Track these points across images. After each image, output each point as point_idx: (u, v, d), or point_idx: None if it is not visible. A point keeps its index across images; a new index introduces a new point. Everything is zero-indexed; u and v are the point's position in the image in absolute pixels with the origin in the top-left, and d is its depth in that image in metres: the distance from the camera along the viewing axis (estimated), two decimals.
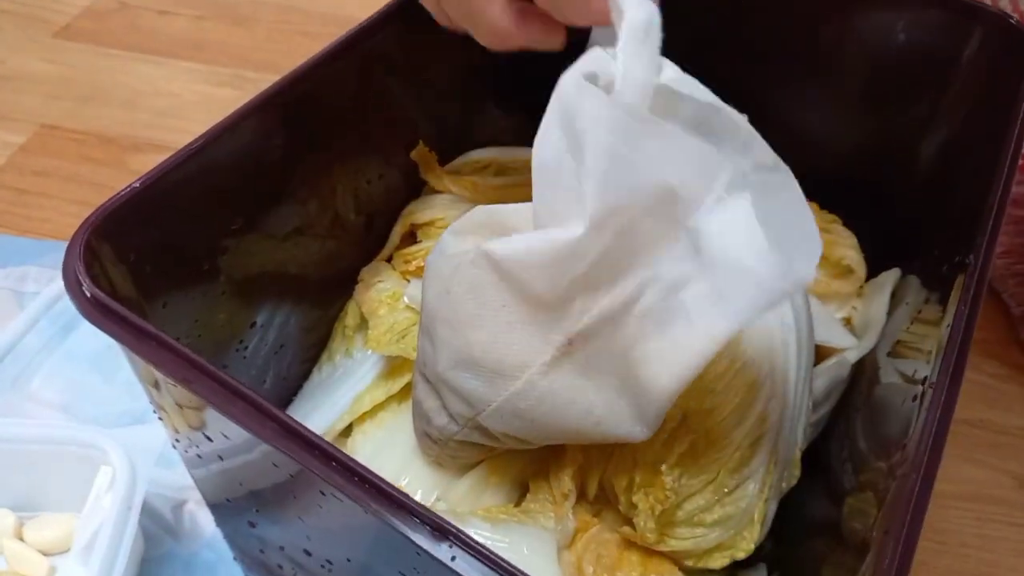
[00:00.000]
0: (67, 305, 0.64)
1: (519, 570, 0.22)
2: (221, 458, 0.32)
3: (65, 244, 0.29)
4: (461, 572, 0.23)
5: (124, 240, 0.32)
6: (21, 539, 0.54)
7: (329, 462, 0.24)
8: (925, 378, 0.33)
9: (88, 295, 0.28)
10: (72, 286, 0.29)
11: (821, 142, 0.61)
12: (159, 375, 0.28)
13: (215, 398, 0.26)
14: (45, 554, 0.55)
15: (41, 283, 0.69)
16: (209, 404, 0.26)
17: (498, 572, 0.22)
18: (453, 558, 0.23)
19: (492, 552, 0.23)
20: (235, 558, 0.49)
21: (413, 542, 0.23)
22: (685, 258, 0.29)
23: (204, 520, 0.56)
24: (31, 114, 0.84)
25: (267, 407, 0.25)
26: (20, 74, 0.89)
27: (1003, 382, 0.68)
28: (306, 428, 0.25)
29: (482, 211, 0.38)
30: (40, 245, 0.71)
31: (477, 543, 0.23)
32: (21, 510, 0.55)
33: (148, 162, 0.34)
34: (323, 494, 0.27)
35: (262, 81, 0.39)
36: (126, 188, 0.32)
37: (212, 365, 0.38)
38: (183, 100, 0.87)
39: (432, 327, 0.35)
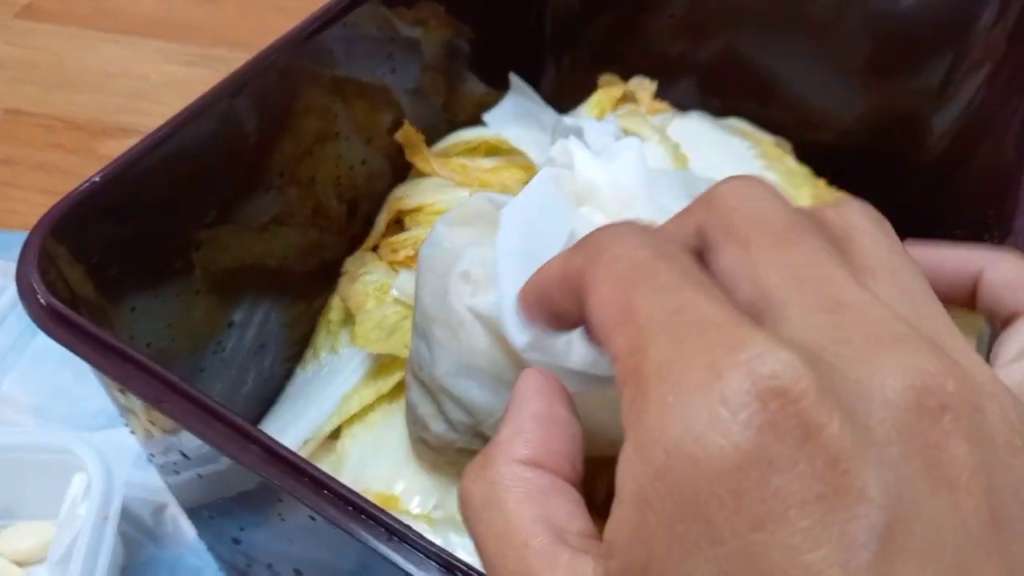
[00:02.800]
0: None
1: None
2: (200, 476, 0.30)
3: None
4: None
5: (85, 240, 0.29)
6: None
7: (320, 490, 0.22)
8: None
9: (44, 303, 0.25)
10: (26, 294, 0.26)
11: (826, 115, 0.58)
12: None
13: (189, 420, 0.23)
14: (21, 565, 0.52)
15: (9, 277, 0.66)
16: (183, 427, 0.23)
17: None
18: None
19: None
20: (220, 568, 0.47)
21: None
22: None
23: (187, 524, 0.53)
24: None
25: (248, 429, 0.22)
26: None
27: None
28: (292, 453, 0.22)
29: (480, 199, 0.35)
30: (7, 237, 0.68)
31: None
32: None
33: (119, 148, 0.32)
34: (314, 519, 0.24)
35: (235, 60, 0.36)
36: (85, 183, 0.28)
37: (186, 376, 0.35)
38: (153, 82, 0.83)
39: (428, 328, 0.33)
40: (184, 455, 0.28)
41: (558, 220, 0.27)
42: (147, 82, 0.83)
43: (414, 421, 0.37)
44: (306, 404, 0.43)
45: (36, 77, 0.82)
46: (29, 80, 0.82)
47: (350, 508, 0.22)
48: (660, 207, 0.30)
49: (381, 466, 0.40)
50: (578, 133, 0.37)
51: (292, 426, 0.43)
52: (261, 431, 0.22)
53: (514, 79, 0.50)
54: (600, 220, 0.31)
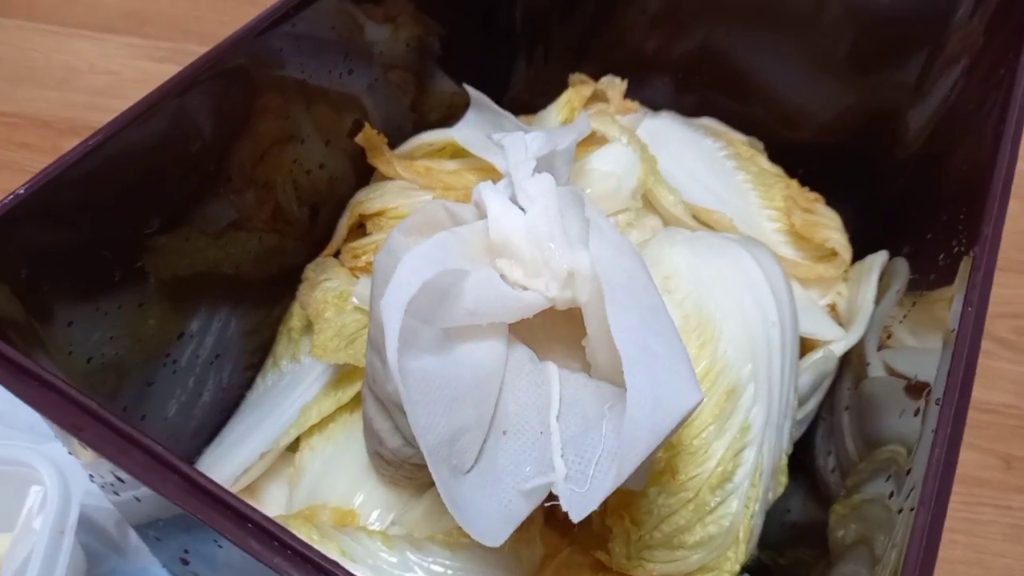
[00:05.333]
0: None
1: None
2: (137, 499, 0.28)
3: None
4: None
5: (9, 256, 0.27)
6: None
7: (244, 524, 0.21)
8: (926, 387, 0.29)
9: None
10: None
11: (801, 112, 0.57)
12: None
13: (108, 448, 0.21)
14: None
15: None
16: (103, 456, 0.22)
17: None
18: None
19: None
20: None
21: None
22: None
23: None
24: None
25: (168, 459, 0.21)
26: None
27: (987, 358, 0.66)
28: (214, 484, 0.21)
29: (437, 207, 0.34)
30: None
31: None
32: None
33: None
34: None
35: None
36: (8, 197, 0.27)
37: (136, 390, 0.34)
38: (123, 78, 0.81)
39: (381, 342, 0.31)
40: (118, 478, 0.27)
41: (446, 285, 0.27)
42: (117, 78, 0.81)
43: (371, 435, 0.36)
44: (265, 414, 0.42)
45: (1, 73, 0.80)
46: None
47: (275, 543, 0.20)
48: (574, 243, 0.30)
49: (339, 479, 0.39)
50: (501, 150, 0.36)
51: (250, 437, 0.41)
52: (182, 461, 0.21)
53: (472, 92, 0.49)
54: (518, 274, 0.30)
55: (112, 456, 0.21)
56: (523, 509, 0.25)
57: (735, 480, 0.34)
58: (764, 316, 0.38)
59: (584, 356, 0.31)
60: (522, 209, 0.31)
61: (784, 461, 0.37)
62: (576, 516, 0.23)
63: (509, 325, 0.30)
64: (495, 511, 0.25)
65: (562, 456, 0.25)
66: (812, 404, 0.42)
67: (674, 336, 0.27)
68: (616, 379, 0.30)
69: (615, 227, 0.31)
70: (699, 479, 0.33)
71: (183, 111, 0.36)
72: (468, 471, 0.27)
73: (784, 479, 0.37)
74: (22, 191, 0.27)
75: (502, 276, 0.30)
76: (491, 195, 0.31)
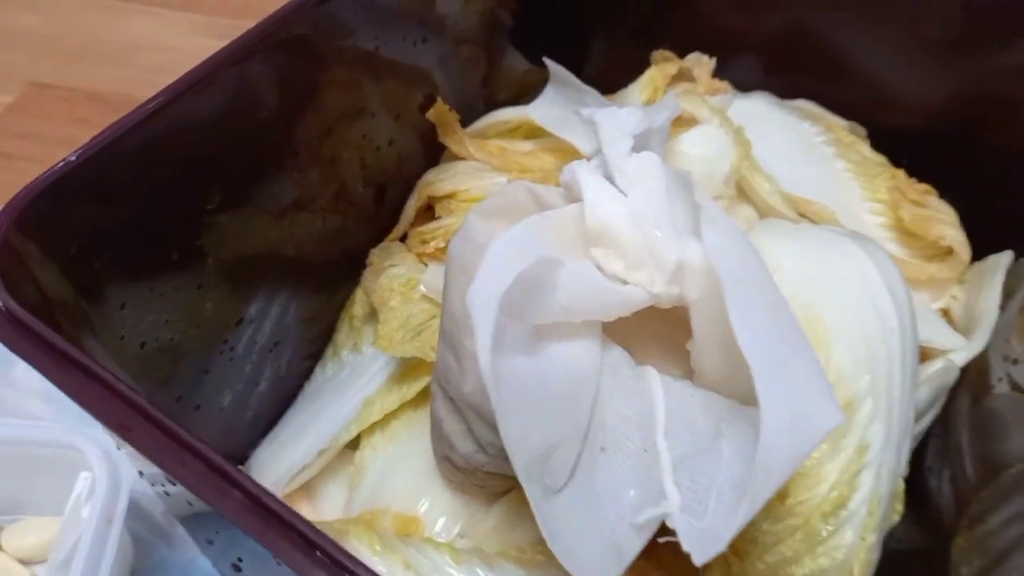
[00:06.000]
0: None
1: None
2: (189, 503, 0.26)
3: None
4: None
5: (58, 231, 0.25)
6: None
7: (311, 551, 0.17)
8: None
9: (2, 307, 0.21)
10: None
11: (904, 96, 0.52)
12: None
13: (159, 454, 0.19)
14: (25, 563, 0.50)
15: None
16: (153, 461, 0.19)
17: None
18: None
19: None
20: None
21: None
22: None
23: None
24: (17, 72, 0.77)
25: (228, 471, 0.18)
26: (4, 29, 0.82)
27: None
28: (278, 501, 0.18)
29: (519, 189, 0.31)
30: None
31: None
32: (1, 514, 0.50)
33: None
34: None
35: None
36: (59, 163, 0.24)
37: (191, 377, 0.32)
38: (180, 54, 0.79)
39: (457, 337, 0.28)
40: (169, 479, 0.24)
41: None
42: (173, 55, 0.79)
43: (439, 438, 0.33)
44: (323, 407, 0.39)
45: (60, 49, 0.80)
46: (52, 52, 0.79)
47: (345, 574, 0.17)
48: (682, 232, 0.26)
49: (403, 483, 0.36)
50: (593, 127, 0.33)
51: (307, 432, 0.39)
52: (243, 473, 0.18)
53: (552, 66, 0.45)
54: (618, 265, 0.26)
55: (164, 463, 0.19)
56: (634, 544, 0.21)
57: (850, 507, 0.30)
58: (882, 321, 0.33)
59: (684, 361, 0.27)
60: (621, 192, 0.27)
61: (901, 486, 0.33)
62: (700, 558, 0.19)
63: (603, 323, 0.27)
64: (599, 543, 0.21)
65: (674, 481, 0.22)
66: (927, 421, 0.38)
67: (804, 342, 0.23)
68: (726, 389, 0.26)
69: (728, 216, 0.27)
70: (809, 504, 0.29)
71: (243, 82, 0.33)
72: (561, 490, 0.23)
73: (900, 507, 0.33)
74: (73, 158, 0.24)
75: (598, 267, 0.26)
76: (587, 175, 0.27)
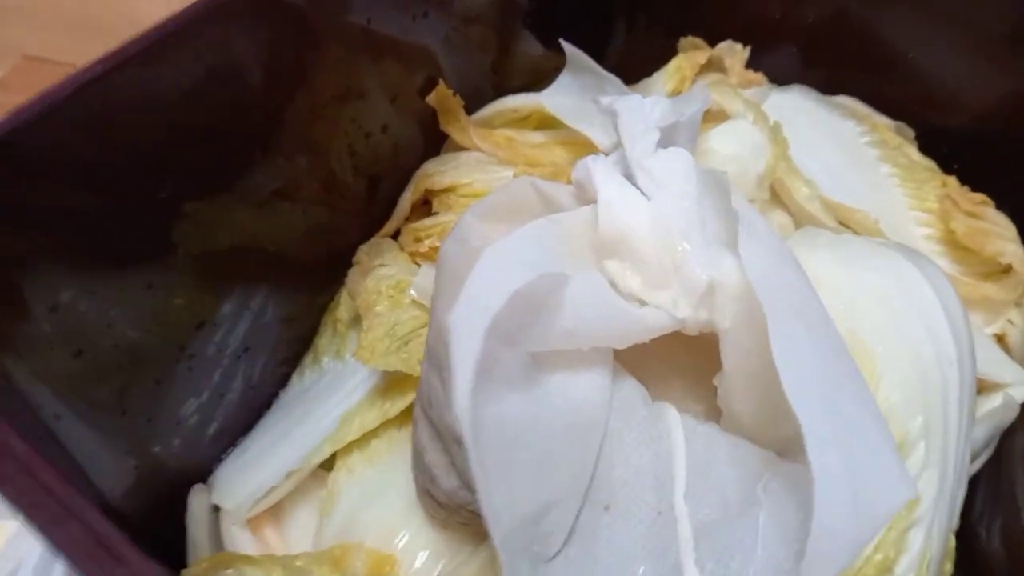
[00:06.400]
0: None
1: None
2: None
3: None
4: None
5: None
6: None
7: None
8: None
9: None
10: None
11: (959, 96, 0.48)
12: None
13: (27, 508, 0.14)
14: None
15: None
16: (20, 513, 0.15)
17: None
18: None
19: None
20: None
21: None
22: None
23: None
24: (13, 45, 0.74)
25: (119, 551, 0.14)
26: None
27: None
28: None
29: (523, 186, 0.26)
30: None
31: None
32: None
33: None
34: None
35: None
36: None
37: (143, 389, 0.28)
38: None
39: (444, 358, 0.24)
40: None
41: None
42: None
43: (421, 469, 0.28)
44: (298, 420, 0.35)
45: (58, 21, 0.76)
46: (50, 25, 0.76)
47: None
48: (715, 245, 0.21)
49: (380, 512, 0.32)
50: (612, 117, 0.28)
51: (277, 449, 0.34)
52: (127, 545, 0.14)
53: (570, 50, 0.41)
54: (635, 282, 0.21)
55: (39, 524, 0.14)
56: None
57: (896, 571, 0.25)
58: (939, 352, 0.29)
59: (710, 398, 0.23)
60: (644, 194, 0.22)
61: (952, 543, 0.29)
62: None
63: (615, 351, 0.22)
64: None
65: (696, 560, 0.17)
66: (978, 464, 0.33)
67: (866, 392, 0.18)
68: (761, 435, 0.22)
69: (771, 227, 0.23)
70: (849, 570, 0.25)
71: (221, 47, 0.29)
72: (553, 558, 0.19)
73: (950, 566, 0.29)
74: None
75: (612, 284, 0.22)
76: (604, 172, 0.23)
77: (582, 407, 0.20)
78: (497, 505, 0.17)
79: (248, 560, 0.30)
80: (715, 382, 0.22)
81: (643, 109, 0.27)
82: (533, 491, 0.18)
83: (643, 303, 0.22)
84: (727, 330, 0.21)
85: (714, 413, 0.23)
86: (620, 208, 0.22)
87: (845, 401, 0.18)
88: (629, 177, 0.24)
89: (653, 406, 0.22)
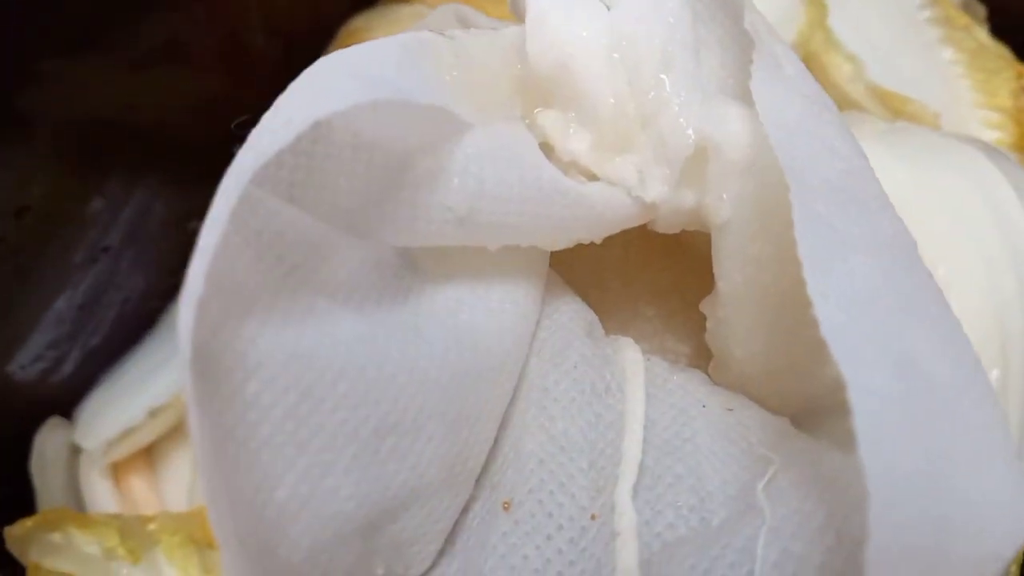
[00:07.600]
0: None
1: None
2: None
3: None
4: None
5: None
6: None
7: None
8: None
9: None
10: None
11: None
12: None
13: None
14: None
15: None
16: None
17: None
18: None
19: None
20: None
21: None
22: None
23: None
24: None
25: None
26: None
27: None
28: None
29: (447, 13, 0.18)
30: None
31: None
32: None
33: None
34: None
35: None
36: None
37: None
38: None
39: None
40: None
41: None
42: None
43: None
44: (173, 351, 0.28)
45: None
46: None
47: None
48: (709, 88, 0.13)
49: None
50: None
51: (145, 382, 0.27)
52: None
53: None
54: (582, 144, 0.13)
55: None
56: None
57: None
58: (1022, 276, 0.21)
59: (698, 331, 0.15)
60: (602, 3, 0.14)
61: None
62: None
63: (551, 255, 0.15)
64: None
65: None
66: None
67: (959, 335, 0.11)
68: (771, 392, 0.14)
69: (801, 63, 0.14)
70: None
71: None
72: None
73: (1015, 568, 0.22)
74: None
75: (542, 145, 0.14)
76: None
77: (480, 341, 0.12)
78: (282, 500, 0.10)
79: (81, 521, 0.23)
80: (703, 309, 0.14)
81: None
82: (376, 477, 0.11)
83: (592, 177, 0.14)
84: (726, 224, 0.13)
85: (701, 357, 0.16)
86: (559, 25, 0.13)
87: (923, 347, 0.10)
88: None
89: (603, 342, 0.14)
